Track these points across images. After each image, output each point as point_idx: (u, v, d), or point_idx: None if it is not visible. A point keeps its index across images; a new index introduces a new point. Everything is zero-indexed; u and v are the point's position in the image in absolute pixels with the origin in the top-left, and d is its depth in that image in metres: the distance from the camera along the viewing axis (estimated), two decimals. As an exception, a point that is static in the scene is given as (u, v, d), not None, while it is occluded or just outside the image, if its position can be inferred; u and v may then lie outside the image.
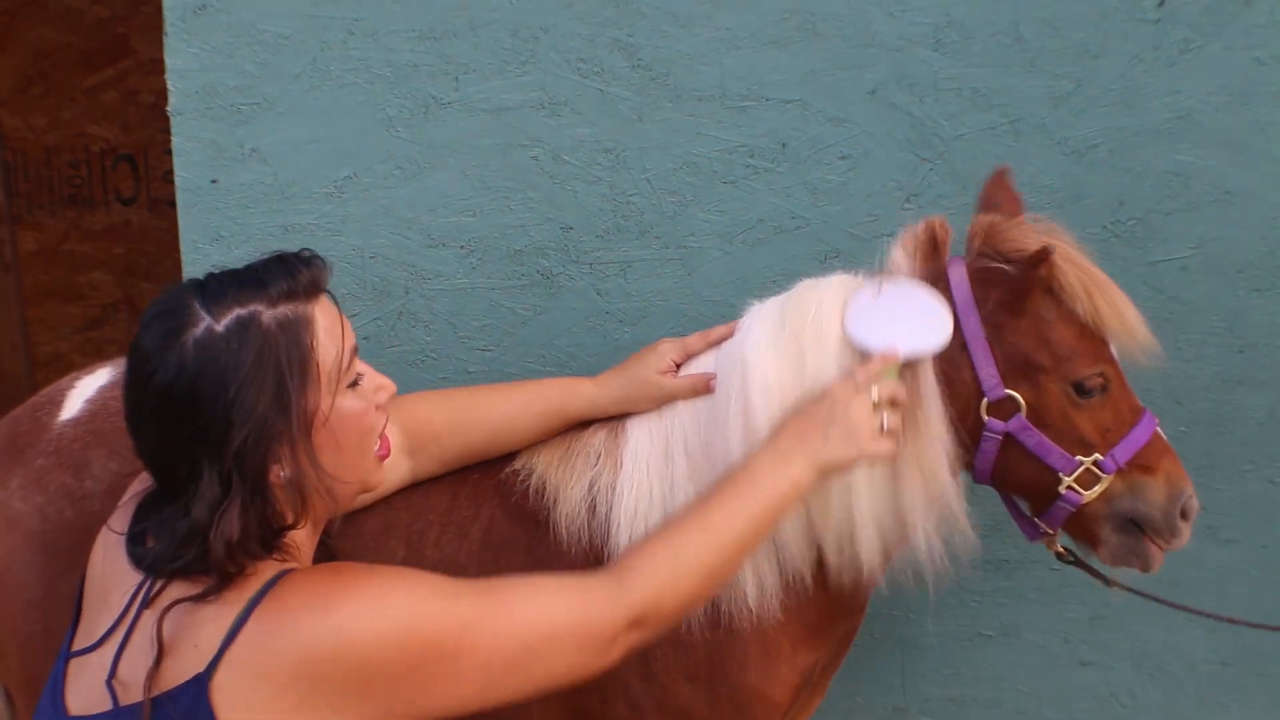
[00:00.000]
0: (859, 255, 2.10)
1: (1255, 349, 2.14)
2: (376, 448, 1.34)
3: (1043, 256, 1.54)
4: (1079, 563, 1.73)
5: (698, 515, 1.36)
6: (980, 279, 1.62)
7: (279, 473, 1.22)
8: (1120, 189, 2.08)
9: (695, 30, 2.04)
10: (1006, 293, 1.60)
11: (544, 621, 1.25)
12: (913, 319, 1.55)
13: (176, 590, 1.19)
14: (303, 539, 1.30)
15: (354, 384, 1.29)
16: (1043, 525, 1.67)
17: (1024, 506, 1.71)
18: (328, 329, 1.26)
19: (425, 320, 2.17)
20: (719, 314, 2.07)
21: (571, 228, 2.13)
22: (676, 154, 2.09)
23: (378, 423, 1.33)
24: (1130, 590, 1.75)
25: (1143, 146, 2.06)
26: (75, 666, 1.25)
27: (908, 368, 1.55)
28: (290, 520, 1.24)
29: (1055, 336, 1.59)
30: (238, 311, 1.20)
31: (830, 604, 1.69)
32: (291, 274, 1.24)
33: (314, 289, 1.26)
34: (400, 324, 2.18)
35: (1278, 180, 2.07)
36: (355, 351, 1.30)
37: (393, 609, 1.17)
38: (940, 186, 2.09)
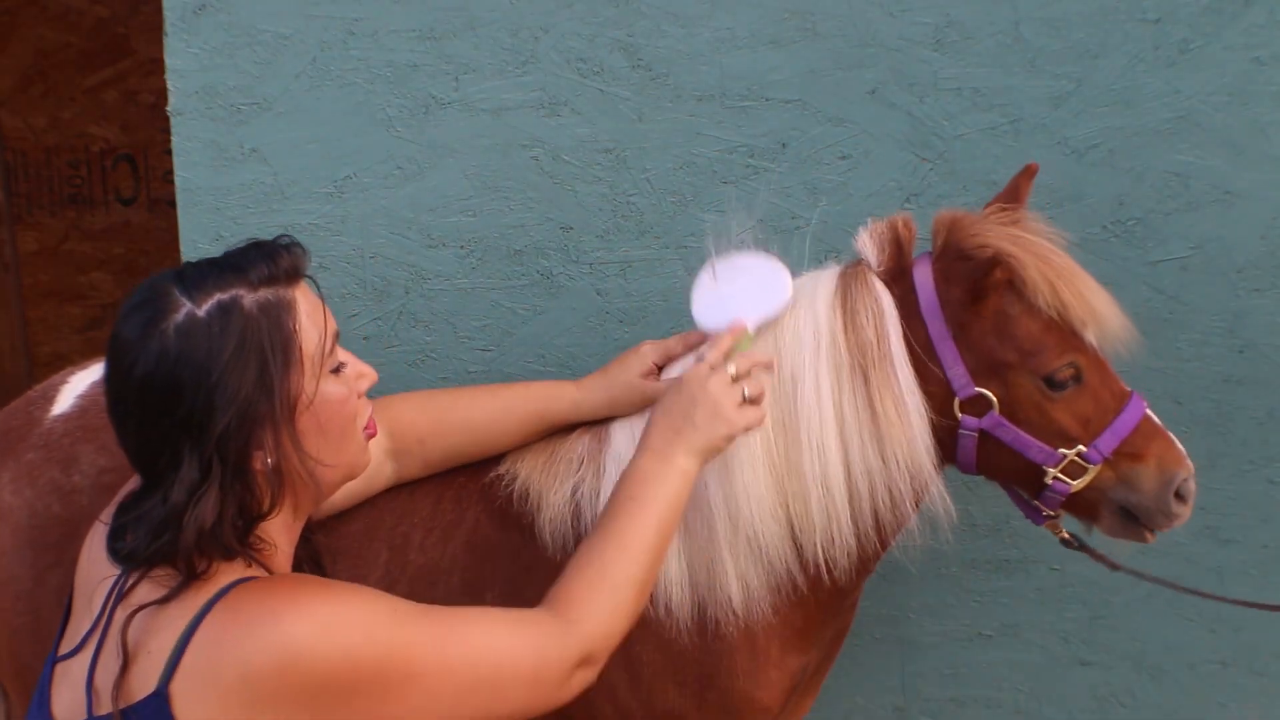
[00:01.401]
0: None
1: (1255, 349, 2.14)
2: (362, 429, 1.33)
3: (994, 263, 1.53)
4: (1084, 548, 1.72)
5: (611, 535, 1.38)
6: (945, 276, 1.60)
7: (262, 459, 1.20)
8: (1120, 189, 2.08)
9: (695, 30, 2.04)
10: (966, 290, 1.58)
11: (495, 654, 1.25)
12: (753, 288, 1.57)
13: (145, 592, 1.18)
14: (279, 533, 1.28)
15: (337, 370, 1.28)
16: (1043, 508, 1.65)
17: (1022, 493, 1.71)
18: (309, 313, 1.25)
19: (425, 320, 2.17)
20: (719, 314, 2.07)
21: (571, 228, 2.13)
22: (676, 154, 2.09)
23: (360, 410, 1.32)
24: (1137, 574, 1.73)
25: (1143, 146, 2.06)
26: (60, 671, 1.24)
27: (882, 365, 1.56)
28: (266, 507, 1.23)
29: (1019, 332, 1.57)
30: (219, 296, 1.19)
31: (818, 605, 1.68)
32: (272, 259, 1.23)
33: (294, 274, 1.26)
34: (400, 324, 2.17)
35: (1278, 180, 2.06)
36: (337, 337, 1.30)
37: (343, 627, 1.15)
38: (940, 186, 2.09)
